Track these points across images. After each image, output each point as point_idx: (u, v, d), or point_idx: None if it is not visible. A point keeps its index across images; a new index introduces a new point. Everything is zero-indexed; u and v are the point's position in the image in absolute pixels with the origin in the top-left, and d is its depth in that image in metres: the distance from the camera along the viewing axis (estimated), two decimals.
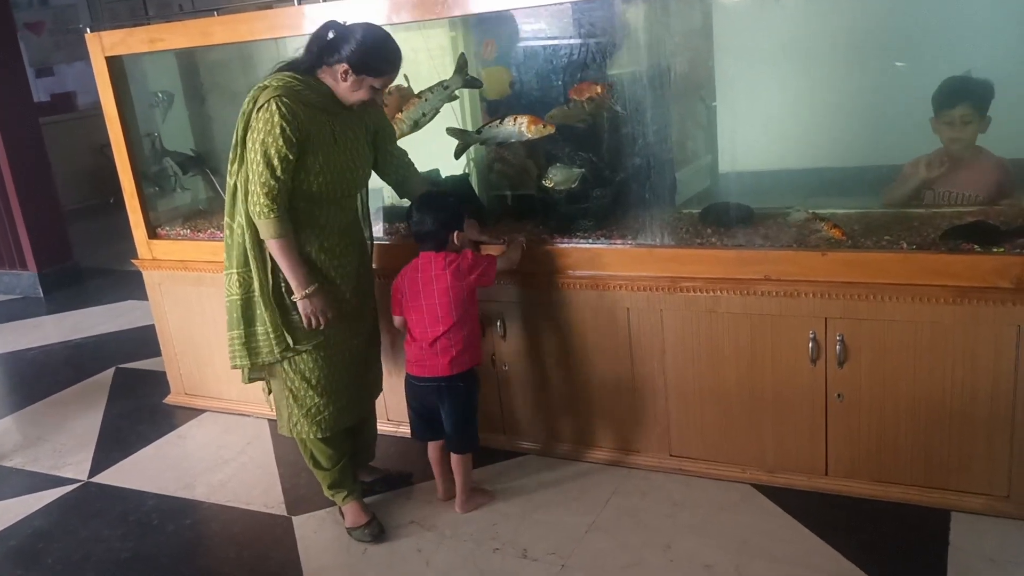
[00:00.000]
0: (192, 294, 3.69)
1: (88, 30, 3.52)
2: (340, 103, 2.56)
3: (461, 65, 2.98)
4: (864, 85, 3.13)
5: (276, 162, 2.44)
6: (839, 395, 2.62)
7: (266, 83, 2.50)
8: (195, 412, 3.86)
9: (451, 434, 2.77)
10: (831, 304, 2.55)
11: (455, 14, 2.86)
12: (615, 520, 2.72)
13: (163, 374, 4.02)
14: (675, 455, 2.93)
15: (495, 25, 3.14)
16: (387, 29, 2.58)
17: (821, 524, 2.58)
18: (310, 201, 2.56)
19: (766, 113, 3.25)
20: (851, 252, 2.54)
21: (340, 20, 2.54)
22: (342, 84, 2.51)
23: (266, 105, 2.44)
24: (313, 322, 2.57)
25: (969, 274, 2.38)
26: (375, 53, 2.50)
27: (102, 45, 3.48)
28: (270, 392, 2.80)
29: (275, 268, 2.57)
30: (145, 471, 3.39)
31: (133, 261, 3.82)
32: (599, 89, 2.92)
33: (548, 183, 2.89)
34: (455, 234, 2.68)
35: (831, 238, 2.59)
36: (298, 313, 2.58)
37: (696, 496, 2.79)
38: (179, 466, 3.41)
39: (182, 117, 4.07)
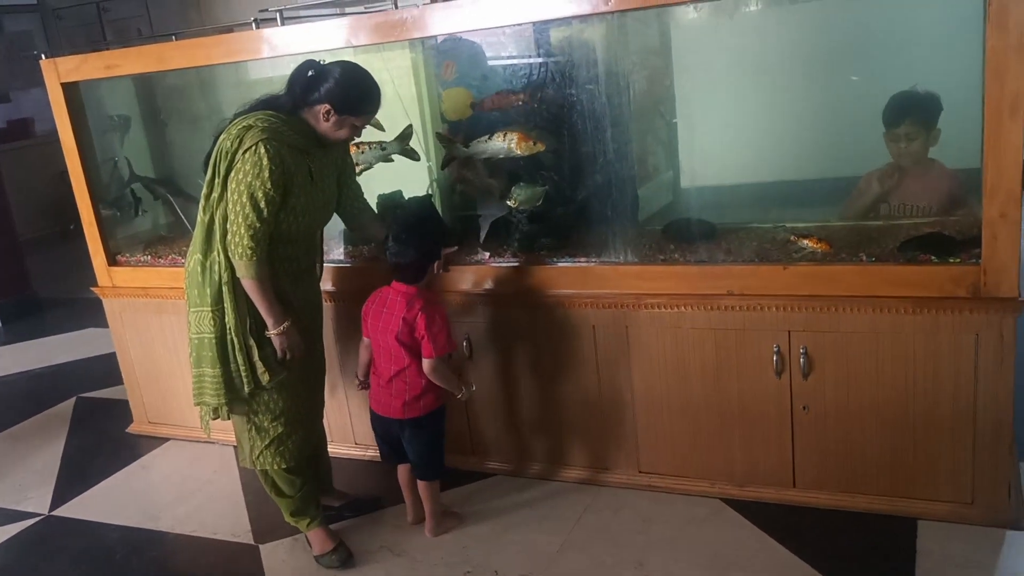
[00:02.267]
0: (154, 321, 3.64)
1: (43, 56, 3.47)
2: (317, 142, 2.56)
3: (405, 134, 3.05)
4: (820, 99, 3.18)
5: (263, 205, 2.43)
6: (804, 407, 2.64)
7: (250, 123, 2.46)
8: (159, 441, 3.80)
9: (415, 462, 2.75)
10: (794, 317, 2.57)
11: (413, 36, 2.87)
12: (587, 539, 2.71)
13: (125, 403, 3.96)
14: (644, 471, 2.93)
15: (455, 46, 3.14)
16: (353, 59, 2.58)
17: (791, 536, 2.60)
18: (285, 239, 2.56)
19: (725, 128, 3.29)
20: (812, 265, 2.57)
21: (318, 60, 2.54)
22: (323, 124, 2.51)
23: (253, 148, 2.42)
24: (288, 355, 2.57)
25: (927, 284, 2.42)
26: (357, 93, 2.51)
27: (57, 71, 3.43)
28: (210, 419, 2.71)
29: (249, 307, 2.54)
30: (109, 503, 3.33)
31: (93, 289, 3.76)
32: (519, 99, 2.94)
33: (512, 202, 2.89)
34: (435, 264, 2.64)
35: (817, 252, 2.60)
36: (266, 349, 2.56)
37: (666, 512, 2.80)
38: (144, 497, 3.35)
39: (139, 141, 4.03)
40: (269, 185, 2.42)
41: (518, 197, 2.87)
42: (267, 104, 2.54)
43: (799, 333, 2.58)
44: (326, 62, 2.54)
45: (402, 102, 3.26)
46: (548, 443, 3.05)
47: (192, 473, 3.47)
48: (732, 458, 2.80)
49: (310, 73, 2.50)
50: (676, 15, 3.18)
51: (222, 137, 2.51)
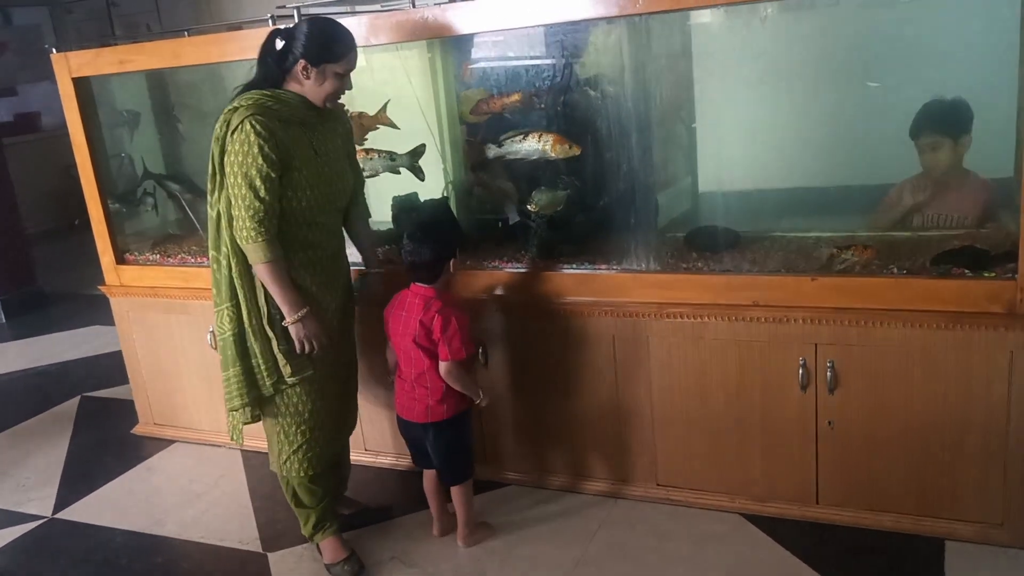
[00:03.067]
0: (162, 321, 3.58)
1: (54, 50, 3.41)
2: (315, 113, 2.48)
3: (418, 152, 3.04)
4: (842, 105, 3.12)
5: (259, 183, 2.35)
6: (830, 422, 2.57)
7: (236, 104, 2.41)
8: (165, 443, 3.74)
9: (440, 467, 2.69)
10: (821, 330, 2.50)
11: (433, 36, 2.81)
12: (603, 554, 2.65)
13: (131, 403, 3.89)
14: (662, 484, 2.86)
15: (474, 46, 3.08)
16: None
17: (813, 554, 2.53)
18: (298, 221, 2.47)
19: (746, 134, 3.23)
20: (841, 277, 2.50)
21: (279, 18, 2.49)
22: (307, 83, 2.43)
23: (240, 126, 2.36)
24: (306, 347, 2.48)
25: (961, 299, 2.35)
26: (326, 38, 2.43)
27: (69, 66, 3.37)
28: (246, 422, 2.67)
29: (266, 296, 2.47)
30: (113, 506, 3.27)
31: (100, 288, 3.70)
32: (514, 98, 2.88)
33: (533, 207, 2.82)
34: (451, 263, 2.59)
35: (863, 261, 2.53)
36: (286, 343, 2.49)
37: (684, 527, 2.73)
38: (149, 501, 3.28)
39: (150, 137, 3.97)
40: (261, 160, 2.34)
41: (539, 201, 2.81)
42: (250, 86, 2.48)
43: (826, 346, 2.51)
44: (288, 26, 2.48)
45: (419, 103, 3.20)
46: (564, 454, 2.99)
47: (198, 477, 3.41)
48: (753, 473, 2.73)
49: (278, 40, 2.43)
50: (696, 18, 3.13)
51: (215, 127, 2.46)
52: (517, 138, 2.79)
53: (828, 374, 2.52)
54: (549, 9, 2.62)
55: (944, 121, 2.67)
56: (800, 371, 2.55)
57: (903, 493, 2.55)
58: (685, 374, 2.72)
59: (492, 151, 2.85)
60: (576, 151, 2.73)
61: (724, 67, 3.23)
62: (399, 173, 3.09)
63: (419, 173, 3.08)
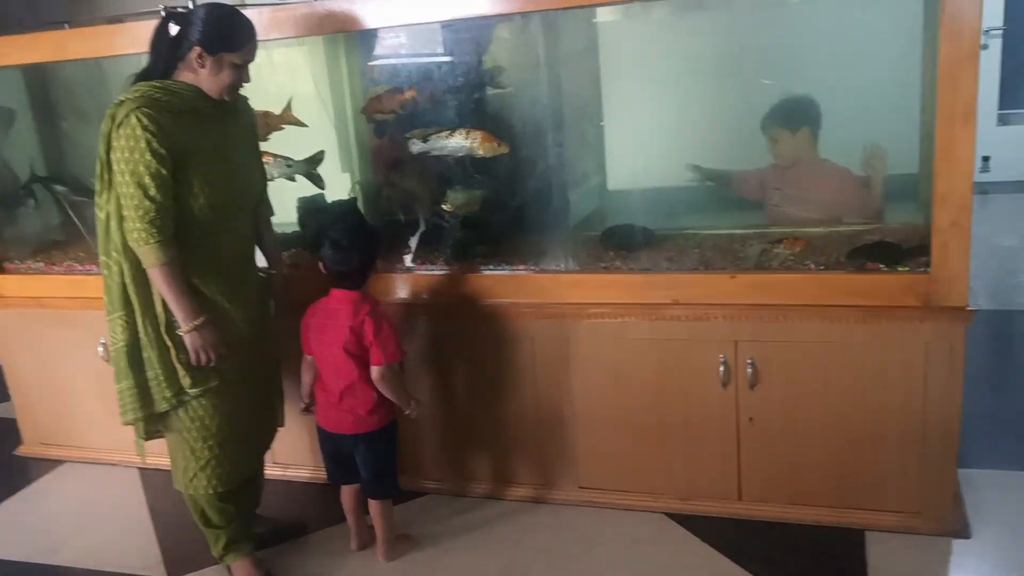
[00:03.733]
0: (49, 334, 3.34)
1: None
2: (213, 105, 2.31)
3: (315, 159, 2.96)
4: (747, 103, 3.14)
5: (148, 180, 2.18)
6: (751, 418, 2.58)
7: (122, 97, 2.24)
8: (53, 463, 3.49)
9: (368, 480, 2.58)
10: (741, 327, 2.50)
11: (340, 31, 2.70)
12: (530, 561, 2.59)
13: (13, 421, 3.62)
14: (584, 487, 2.83)
15: (381, 42, 2.97)
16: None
17: (738, 551, 2.53)
18: (198, 221, 2.30)
19: (652, 132, 3.22)
20: (759, 274, 2.51)
21: (176, 8, 2.33)
22: (202, 72, 2.26)
23: (125, 120, 2.18)
24: (203, 357, 2.32)
25: (877, 293, 2.39)
26: (225, 26, 2.26)
27: None
28: (144, 437, 2.51)
29: (164, 303, 2.31)
30: (0, 534, 3.02)
31: None
32: (408, 96, 2.82)
33: (448, 207, 2.73)
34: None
35: (796, 252, 2.55)
36: (185, 353, 2.33)
37: (610, 529, 2.70)
38: (40, 527, 3.05)
39: (29, 137, 3.70)
40: (150, 156, 2.17)
41: (454, 201, 2.73)
42: (141, 76, 2.31)
43: (746, 343, 2.51)
44: (184, 9, 2.32)
45: (323, 100, 3.08)
46: (485, 460, 2.92)
47: (93, 499, 3.19)
48: (675, 472, 2.72)
49: (171, 24, 2.26)
50: (603, 16, 3.11)
51: (102, 123, 2.28)
52: (444, 133, 2.69)
53: (749, 371, 2.52)
54: (455, 4, 2.53)
55: (783, 116, 2.83)
56: (721, 368, 2.55)
57: (824, 486, 2.58)
58: (606, 375, 2.69)
59: (417, 146, 2.73)
60: (504, 149, 2.66)
61: (630, 65, 3.22)
62: (294, 180, 2.96)
63: (318, 181, 2.96)
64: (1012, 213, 5.64)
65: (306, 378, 2.59)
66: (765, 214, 2.95)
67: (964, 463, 2.57)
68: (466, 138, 2.64)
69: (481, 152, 2.64)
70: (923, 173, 2.63)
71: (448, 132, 2.69)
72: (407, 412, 2.56)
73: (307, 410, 2.63)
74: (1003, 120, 6.21)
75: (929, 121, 2.40)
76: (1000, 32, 5.87)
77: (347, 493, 2.65)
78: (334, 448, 2.58)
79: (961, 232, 2.26)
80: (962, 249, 2.27)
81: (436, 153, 2.72)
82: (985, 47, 5.58)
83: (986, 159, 6.05)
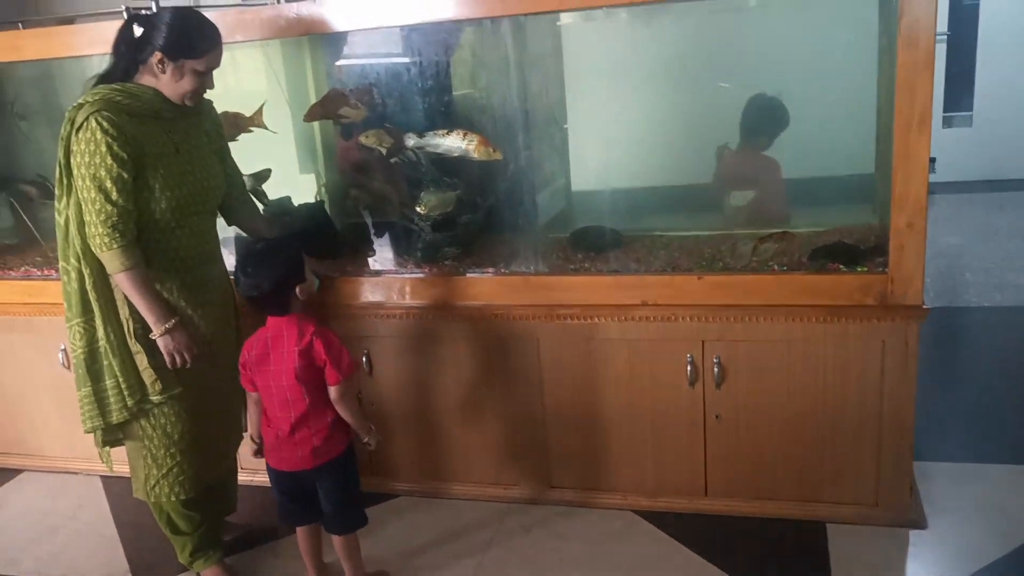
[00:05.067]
0: (2, 341, 3.27)
1: None
2: (173, 107, 2.29)
3: (262, 176, 2.92)
4: (708, 106, 3.21)
5: (109, 184, 2.17)
6: (717, 416, 2.64)
7: (81, 101, 2.22)
8: (10, 472, 3.42)
9: (334, 514, 2.40)
10: (708, 327, 2.56)
11: (303, 33, 2.69)
12: (502, 560, 2.62)
13: None
14: (555, 486, 2.86)
15: (347, 46, 2.97)
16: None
17: (706, 546, 2.59)
18: (159, 225, 2.29)
19: (616, 134, 3.27)
20: (726, 275, 2.57)
21: (140, 9, 2.30)
22: (163, 77, 2.24)
23: (85, 124, 2.17)
24: (177, 360, 2.30)
25: (837, 293, 2.46)
26: (188, 31, 2.23)
27: None
28: (103, 445, 2.49)
29: (130, 309, 2.29)
30: None
31: None
32: (354, 102, 2.83)
33: (422, 209, 2.74)
34: (297, 289, 2.27)
35: (784, 247, 2.59)
36: (154, 358, 2.31)
37: (579, 528, 2.74)
38: None
39: None
40: (110, 160, 2.16)
41: (428, 203, 2.73)
42: (102, 78, 2.29)
43: (713, 343, 2.57)
44: (148, 11, 2.30)
45: (287, 101, 3.07)
46: (454, 460, 2.94)
47: (54, 508, 3.14)
48: (644, 469, 2.77)
49: (135, 26, 2.24)
50: (566, 19, 3.14)
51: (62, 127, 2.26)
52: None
53: (715, 369, 2.58)
54: (420, 8, 2.55)
55: (764, 114, 2.94)
56: (688, 367, 2.60)
57: (786, 480, 2.65)
58: (575, 375, 2.73)
59: (412, 140, 2.71)
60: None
61: (594, 68, 3.26)
62: None
63: (262, 197, 2.93)
64: (956, 213, 5.82)
65: (253, 416, 2.41)
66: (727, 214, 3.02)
67: (917, 455, 2.66)
68: (463, 139, 2.62)
69: (476, 155, 2.62)
70: (879, 176, 2.72)
71: (445, 131, 2.67)
72: (365, 440, 2.37)
73: (259, 452, 2.43)
74: (947, 122, 6.42)
75: (885, 125, 2.49)
76: (944, 37, 6.06)
77: (305, 535, 2.47)
78: (295, 486, 2.38)
79: (916, 233, 2.34)
80: (918, 250, 2.35)
81: (430, 150, 2.70)
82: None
83: (932, 160, 6.21)
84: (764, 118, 2.93)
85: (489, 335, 2.75)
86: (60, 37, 2.90)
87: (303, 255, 2.31)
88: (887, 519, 2.59)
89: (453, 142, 2.64)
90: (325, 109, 2.84)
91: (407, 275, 2.82)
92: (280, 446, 2.32)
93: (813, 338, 2.49)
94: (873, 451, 2.55)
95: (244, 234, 2.70)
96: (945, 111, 6.34)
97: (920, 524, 2.58)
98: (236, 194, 2.58)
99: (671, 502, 2.76)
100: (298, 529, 2.46)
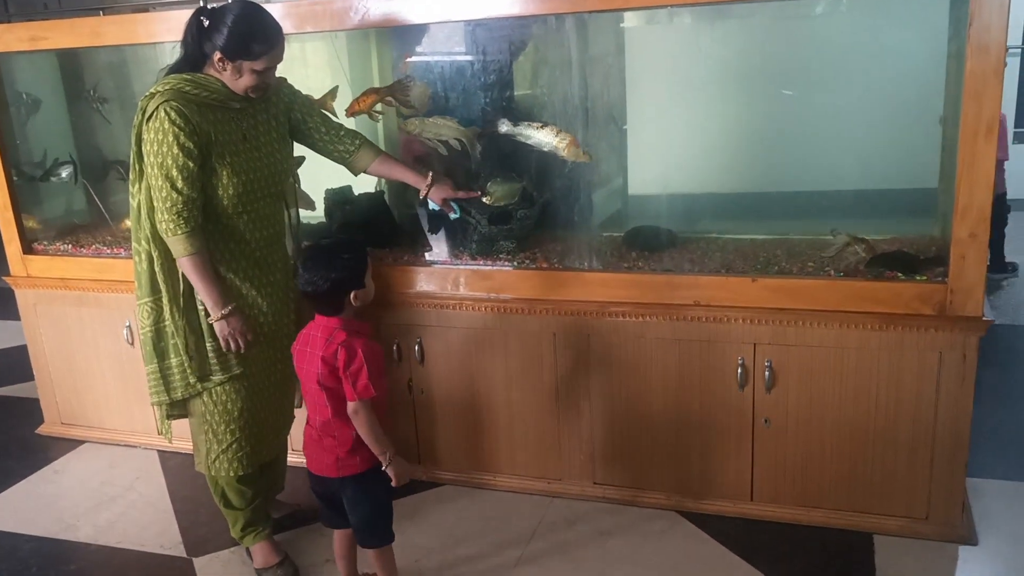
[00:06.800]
0: (72, 315, 3.39)
1: None
2: (241, 98, 2.35)
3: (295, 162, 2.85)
4: (767, 111, 3.19)
5: (175, 173, 2.24)
6: (766, 420, 2.62)
7: (153, 90, 2.29)
8: (73, 443, 3.54)
9: (359, 527, 2.33)
10: (760, 330, 2.55)
11: (368, 27, 2.75)
12: (544, 553, 2.63)
13: (35, 401, 3.68)
14: (599, 483, 2.87)
15: (415, 39, 3.02)
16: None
17: (749, 550, 2.58)
18: (226, 212, 2.36)
19: (677, 138, 3.27)
20: (780, 279, 2.55)
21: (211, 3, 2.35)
22: (224, 75, 2.30)
23: (155, 114, 2.24)
24: (232, 345, 2.38)
25: (894, 301, 2.43)
26: (247, 34, 2.25)
27: None
28: (167, 418, 2.57)
29: (189, 290, 2.37)
30: (19, 511, 3.07)
31: (5, 279, 3.48)
32: (370, 100, 2.84)
33: (488, 199, 2.76)
34: (353, 295, 2.21)
35: (866, 252, 2.57)
36: (215, 339, 2.38)
37: (623, 525, 2.74)
38: (58, 505, 3.10)
39: (52, 122, 3.75)
40: (177, 150, 2.23)
41: (495, 193, 2.75)
42: (173, 68, 2.36)
43: (764, 346, 2.56)
44: (217, 6, 2.32)
45: (351, 90, 3.13)
46: (500, 452, 2.96)
47: (112, 479, 3.25)
48: (690, 470, 2.76)
49: (204, 22, 2.29)
50: (631, 20, 3.15)
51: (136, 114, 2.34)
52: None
53: (766, 373, 2.57)
54: (486, 3, 2.58)
55: None
56: (739, 370, 2.59)
57: (834, 489, 2.63)
58: (625, 372, 2.74)
59: (505, 127, 2.73)
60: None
61: (655, 71, 3.26)
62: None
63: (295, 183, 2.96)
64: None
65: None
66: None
67: (971, 472, 2.60)
68: (555, 136, 2.63)
69: (565, 154, 2.63)
70: (942, 187, 2.68)
71: (540, 124, 2.68)
72: (384, 465, 2.21)
73: None
74: (1019, 138, 6.26)
75: (950, 135, 2.45)
76: (1019, 51, 5.92)
77: (338, 538, 2.42)
78: (324, 490, 2.34)
79: (979, 244, 2.30)
80: (979, 260, 2.32)
81: (521, 140, 2.71)
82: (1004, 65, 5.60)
83: None
84: None
85: (539, 329, 2.77)
86: (140, 24, 3.00)
87: (367, 261, 2.26)
88: (937, 533, 2.54)
89: (545, 136, 2.65)
90: (358, 106, 2.87)
91: (463, 266, 2.85)
92: (312, 446, 2.30)
93: (867, 346, 2.47)
94: (925, 464, 2.51)
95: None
96: (1016, 126, 6.18)
97: (971, 540, 2.53)
98: (335, 133, 2.59)
99: (716, 505, 2.75)
100: (334, 532, 2.44)
